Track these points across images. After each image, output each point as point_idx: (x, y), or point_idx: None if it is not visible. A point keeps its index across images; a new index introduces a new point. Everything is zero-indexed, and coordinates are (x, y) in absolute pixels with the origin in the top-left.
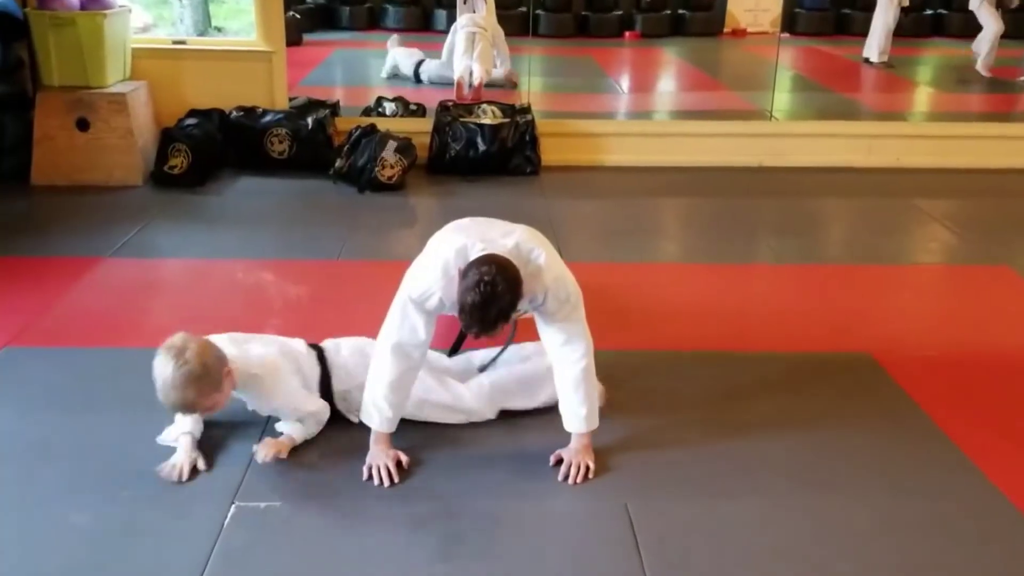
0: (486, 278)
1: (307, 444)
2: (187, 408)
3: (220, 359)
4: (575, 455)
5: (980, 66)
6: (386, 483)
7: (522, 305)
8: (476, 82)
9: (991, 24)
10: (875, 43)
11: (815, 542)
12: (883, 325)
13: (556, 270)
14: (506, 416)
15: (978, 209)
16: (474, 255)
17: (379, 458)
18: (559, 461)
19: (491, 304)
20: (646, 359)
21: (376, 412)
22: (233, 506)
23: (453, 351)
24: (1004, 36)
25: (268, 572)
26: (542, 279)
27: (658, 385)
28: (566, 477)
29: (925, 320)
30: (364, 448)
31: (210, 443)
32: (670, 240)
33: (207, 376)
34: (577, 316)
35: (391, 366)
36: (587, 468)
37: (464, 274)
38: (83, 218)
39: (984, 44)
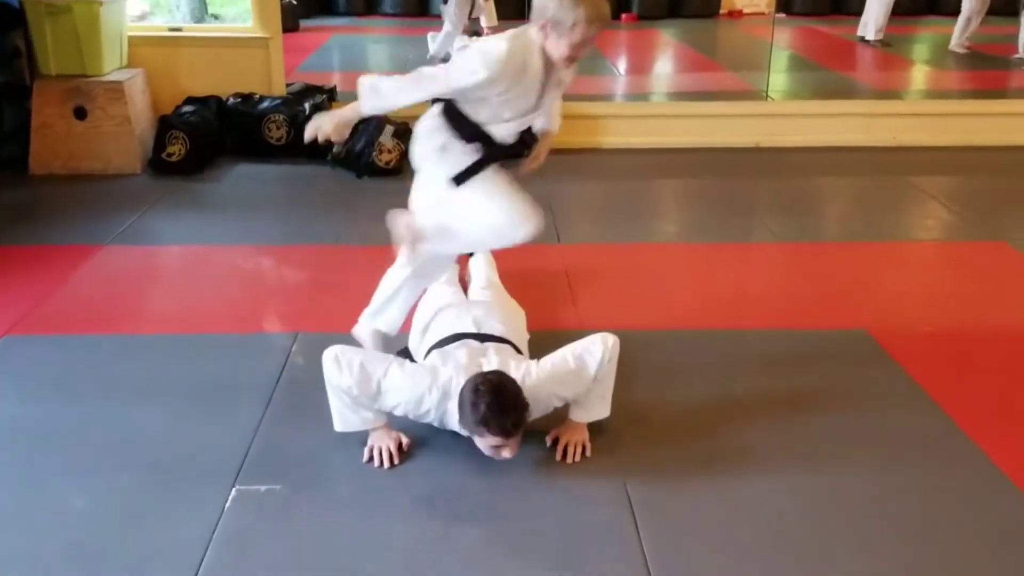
0: (483, 379)
1: (307, 426)
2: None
3: None
4: (571, 434)
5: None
6: (387, 465)
7: (552, 402)
8: None
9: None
10: (871, 21)
11: (813, 519)
12: (880, 302)
13: (543, 373)
14: None
15: (975, 186)
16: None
17: (380, 440)
18: (556, 440)
19: (503, 394)
20: (644, 338)
21: (354, 420)
22: (234, 489)
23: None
24: (995, 12)
25: (269, 555)
26: (543, 385)
27: (656, 364)
28: (564, 456)
29: (922, 296)
30: (365, 430)
31: (210, 426)
32: (668, 220)
33: None
34: (593, 356)
35: (340, 376)
36: (584, 447)
37: (460, 397)
38: (82, 206)
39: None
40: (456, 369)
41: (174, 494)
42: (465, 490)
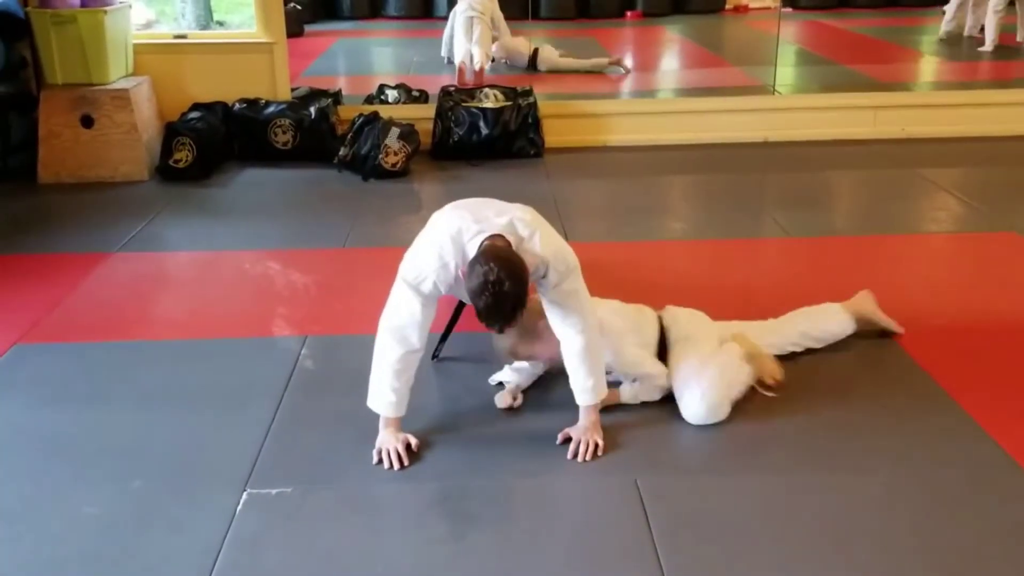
0: (490, 278)
1: (318, 429)
2: None
3: None
4: (583, 432)
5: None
6: (396, 466)
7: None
8: (477, 67)
9: None
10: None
11: (825, 514)
12: (891, 295)
13: (554, 243)
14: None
15: (984, 177)
16: (469, 239)
17: (389, 442)
18: (567, 439)
19: (503, 301)
20: None
21: (380, 398)
22: (245, 493)
23: (443, 339)
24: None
25: (281, 558)
26: (541, 252)
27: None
28: (575, 455)
29: (934, 288)
30: (374, 432)
31: (220, 431)
32: (676, 217)
33: None
34: (576, 288)
35: (390, 350)
36: (596, 445)
37: (468, 275)
38: (90, 214)
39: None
40: (448, 218)
41: (186, 499)
42: (475, 490)
